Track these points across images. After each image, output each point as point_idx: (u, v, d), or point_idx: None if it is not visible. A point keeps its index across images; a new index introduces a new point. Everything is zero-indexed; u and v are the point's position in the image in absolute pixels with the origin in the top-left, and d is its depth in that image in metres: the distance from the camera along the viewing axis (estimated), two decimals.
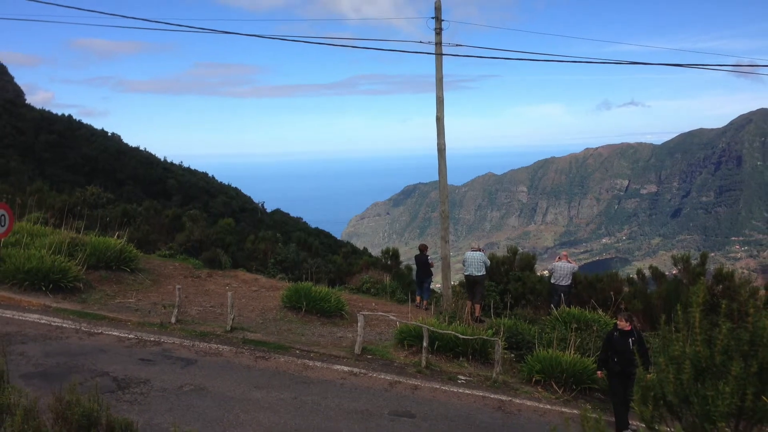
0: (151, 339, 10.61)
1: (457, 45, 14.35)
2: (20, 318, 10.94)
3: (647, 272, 17.80)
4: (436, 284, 18.54)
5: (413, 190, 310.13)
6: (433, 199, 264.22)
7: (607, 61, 13.68)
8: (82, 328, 10.80)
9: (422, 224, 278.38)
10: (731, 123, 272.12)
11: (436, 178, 15.59)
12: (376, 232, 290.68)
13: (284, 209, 72.84)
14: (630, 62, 13.72)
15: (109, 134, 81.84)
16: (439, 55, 14.34)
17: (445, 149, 14.87)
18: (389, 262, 21.71)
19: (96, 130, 79.30)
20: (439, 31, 14.27)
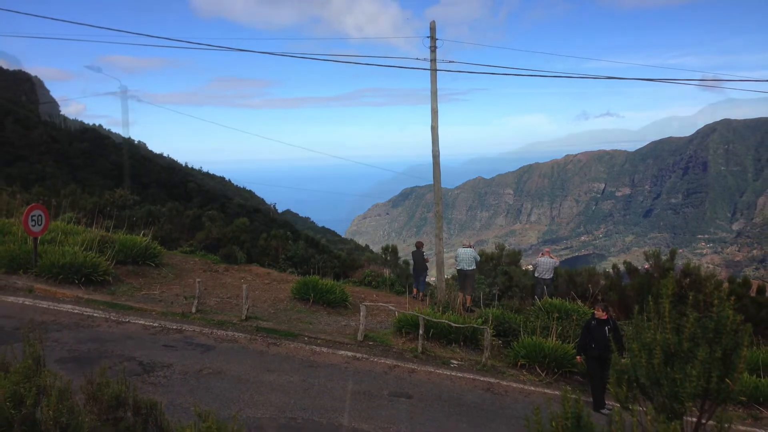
0: (174, 327, 10.61)
1: (450, 62, 14.35)
2: (55, 308, 10.94)
3: (621, 267, 17.79)
4: (431, 278, 18.55)
5: (410, 193, 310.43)
6: (428, 200, 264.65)
7: (586, 76, 13.68)
8: (111, 317, 10.79)
9: (419, 223, 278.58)
10: (698, 132, 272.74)
11: (431, 181, 15.59)
12: (377, 231, 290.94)
13: (294, 210, 72.91)
14: (606, 77, 13.72)
15: (136, 142, 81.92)
16: (433, 70, 14.33)
17: (439, 155, 14.87)
18: (389, 258, 21.71)
19: (123, 138, 79.38)
20: (433, 49, 14.26)
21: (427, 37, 14.25)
